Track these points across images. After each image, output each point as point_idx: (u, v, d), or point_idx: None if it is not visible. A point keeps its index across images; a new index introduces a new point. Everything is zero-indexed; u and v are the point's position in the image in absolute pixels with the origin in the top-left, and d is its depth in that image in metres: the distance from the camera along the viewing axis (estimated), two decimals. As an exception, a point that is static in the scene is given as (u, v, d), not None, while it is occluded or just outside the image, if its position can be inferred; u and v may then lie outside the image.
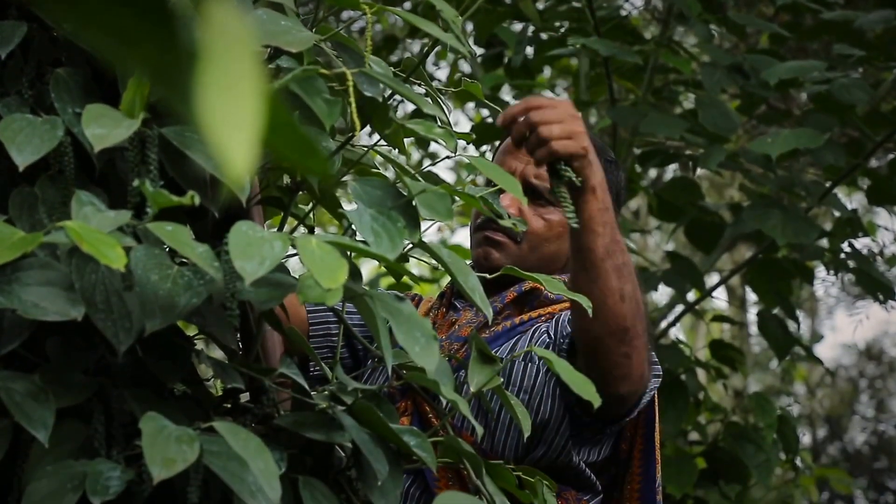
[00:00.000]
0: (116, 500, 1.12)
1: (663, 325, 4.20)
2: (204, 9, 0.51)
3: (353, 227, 1.25)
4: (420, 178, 1.40)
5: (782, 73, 3.40)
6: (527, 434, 1.42)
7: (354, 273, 1.25)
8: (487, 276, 1.60)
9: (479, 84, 1.64)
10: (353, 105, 1.28)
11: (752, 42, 4.72)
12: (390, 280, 4.15)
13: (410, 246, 1.35)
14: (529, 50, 4.23)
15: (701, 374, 4.09)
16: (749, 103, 3.87)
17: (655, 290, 3.97)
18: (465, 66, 5.11)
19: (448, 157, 1.67)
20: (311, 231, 1.53)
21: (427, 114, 1.45)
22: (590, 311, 1.51)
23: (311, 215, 1.52)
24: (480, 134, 4.10)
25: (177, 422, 1.15)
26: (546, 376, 1.77)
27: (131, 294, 1.16)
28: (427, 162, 6.31)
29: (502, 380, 1.60)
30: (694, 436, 4.11)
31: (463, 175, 6.08)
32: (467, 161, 1.59)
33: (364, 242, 1.23)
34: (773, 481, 4.17)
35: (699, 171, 4.01)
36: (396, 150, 1.53)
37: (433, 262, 1.38)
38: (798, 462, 4.14)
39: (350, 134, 1.39)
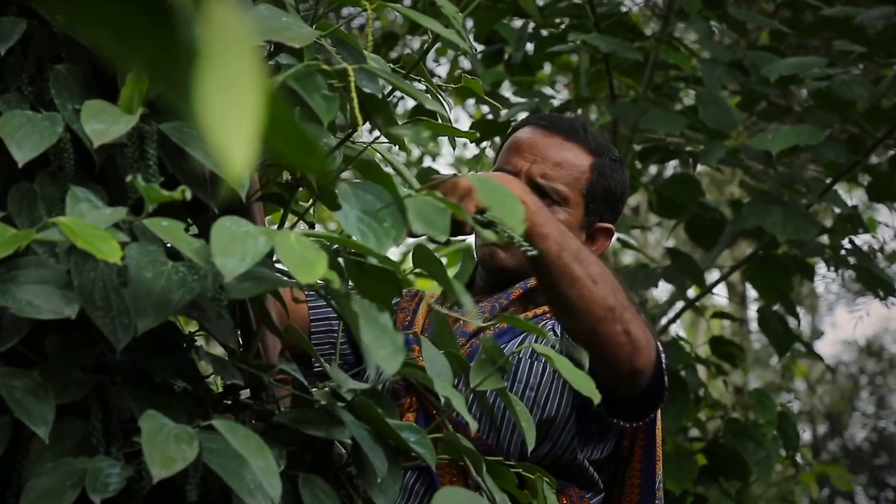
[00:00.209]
0: (115, 498, 1.12)
1: (664, 321, 4.20)
2: (204, 5, 0.51)
3: (342, 223, 1.24)
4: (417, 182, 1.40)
5: (783, 70, 3.39)
6: (531, 446, 1.43)
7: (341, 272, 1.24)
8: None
9: (480, 81, 1.64)
10: (356, 101, 1.28)
11: (752, 38, 4.72)
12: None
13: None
14: (530, 46, 4.23)
15: (701, 371, 4.09)
16: (749, 100, 3.87)
17: (656, 286, 3.97)
18: (465, 63, 5.11)
19: (457, 173, 1.67)
20: (311, 227, 1.53)
21: (428, 110, 1.45)
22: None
23: (310, 211, 1.52)
24: (481, 131, 4.10)
25: (176, 419, 1.15)
26: (553, 373, 1.77)
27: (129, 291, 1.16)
28: (427, 159, 6.31)
29: (507, 382, 1.60)
30: (694, 432, 4.11)
31: (463, 172, 6.07)
32: (468, 157, 1.58)
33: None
34: (773, 478, 4.18)
35: (699, 167, 4.01)
36: (397, 146, 1.53)
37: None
38: (798, 459, 4.14)
39: (350, 130, 1.39)
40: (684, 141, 3.91)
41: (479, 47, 4.45)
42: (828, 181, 3.74)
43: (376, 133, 1.49)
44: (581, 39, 3.55)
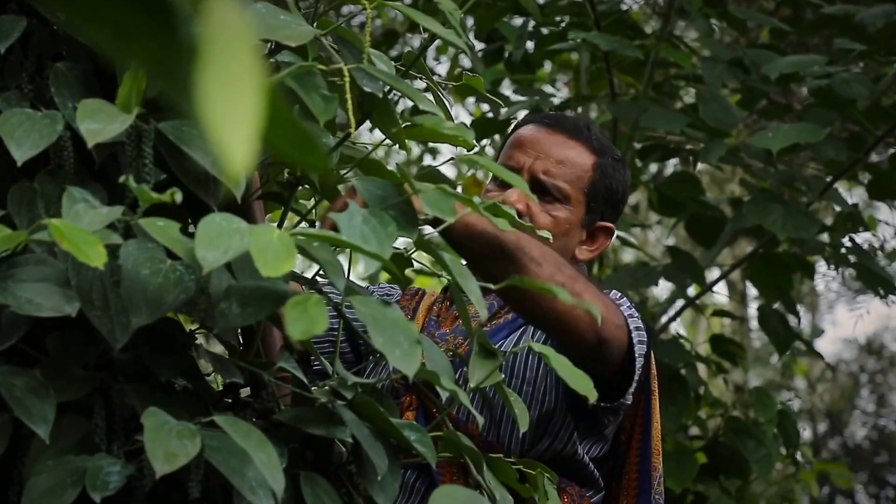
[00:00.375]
0: (116, 496, 1.12)
1: (664, 319, 4.20)
2: (204, 3, 0.51)
3: (341, 229, 1.22)
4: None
5: (783, 68, 3.40)
6: (524, 429, 1.42)
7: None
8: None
9: (481, 78, 1.64)
10: (350, 101, 1.27)
11: (752, 37, 4.72)
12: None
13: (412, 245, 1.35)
14: (530, 44, 4.23)
15: (701, 369, 4.09)
16: (750, 98, 3.87)
17: (656, 284, 3.97)
18: (465, 61, 5.11)
19: (451, 160, 1.67)
20: (311, 226, 1.53)
21: (425, 110, 1.45)
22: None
23: (313, 211, 1.52)
24: (481, 128, 4.10)
25: (177, 417, 1.15)
26: (549, 368, 1.77)
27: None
28: (428, 157, 6.31)
29: (503, 376, 1.60)
30: (694, 430, 4.11)
31: (464, 170, 6.07)
32: (468, 156, 1.58)
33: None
34: (773, 476, 4.18)
35: (700, 165, 4.01)
36: (398, 145, 1.53)
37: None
38: (798, 457, 4.14)
39: (348, 130, 1.39)
40: (684, 139, 3.91)
41: (480, 45, 4.45)
42: (828, 179, 3.74)
43: (378, 132, 1.50)
44: (581, 37, 3.55)
